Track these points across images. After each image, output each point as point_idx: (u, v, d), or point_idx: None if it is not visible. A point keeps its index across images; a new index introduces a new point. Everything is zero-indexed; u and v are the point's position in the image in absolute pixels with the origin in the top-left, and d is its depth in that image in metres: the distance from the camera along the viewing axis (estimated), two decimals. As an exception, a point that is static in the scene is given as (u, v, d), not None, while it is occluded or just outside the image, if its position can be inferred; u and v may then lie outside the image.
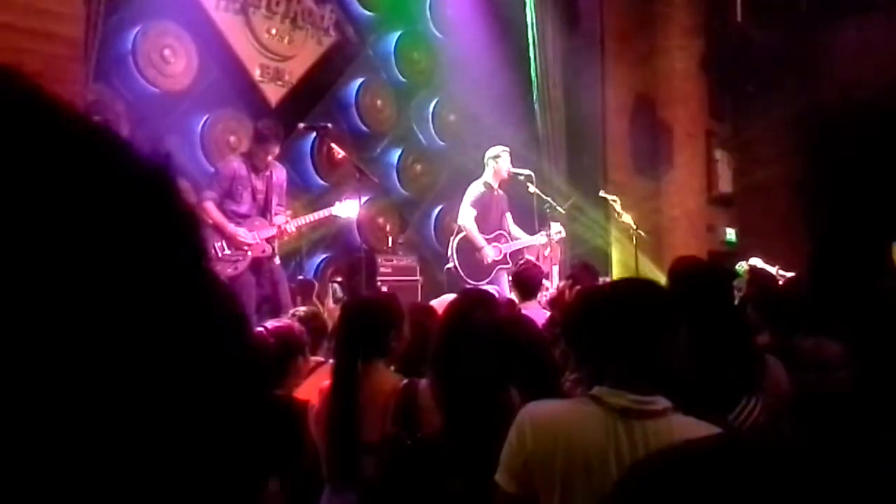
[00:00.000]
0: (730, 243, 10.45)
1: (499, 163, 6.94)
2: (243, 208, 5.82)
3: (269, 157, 5.85)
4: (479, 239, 6.84)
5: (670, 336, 1.86)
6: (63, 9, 5.18)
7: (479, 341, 2.39)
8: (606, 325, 1.89)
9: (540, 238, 6.92)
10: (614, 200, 7.90)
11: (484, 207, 6.89)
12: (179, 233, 0.43)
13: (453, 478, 2.15)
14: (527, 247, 7.05)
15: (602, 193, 8.25)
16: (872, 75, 9.37)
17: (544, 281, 7.11)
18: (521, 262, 5.87)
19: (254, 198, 5.86)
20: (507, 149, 7.05)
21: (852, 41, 9.96)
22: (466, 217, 6.85)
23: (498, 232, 7.05)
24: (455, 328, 2.47)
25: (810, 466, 0.55)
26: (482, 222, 6.93)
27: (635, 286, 2.06)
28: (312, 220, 6.32)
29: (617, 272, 8.46)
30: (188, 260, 0.43)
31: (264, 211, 5.91)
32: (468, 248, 6.86)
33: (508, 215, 7.11)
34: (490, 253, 6.89)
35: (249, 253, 5.77)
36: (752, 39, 9.66)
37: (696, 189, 10.06)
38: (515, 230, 7.11)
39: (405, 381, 2.71)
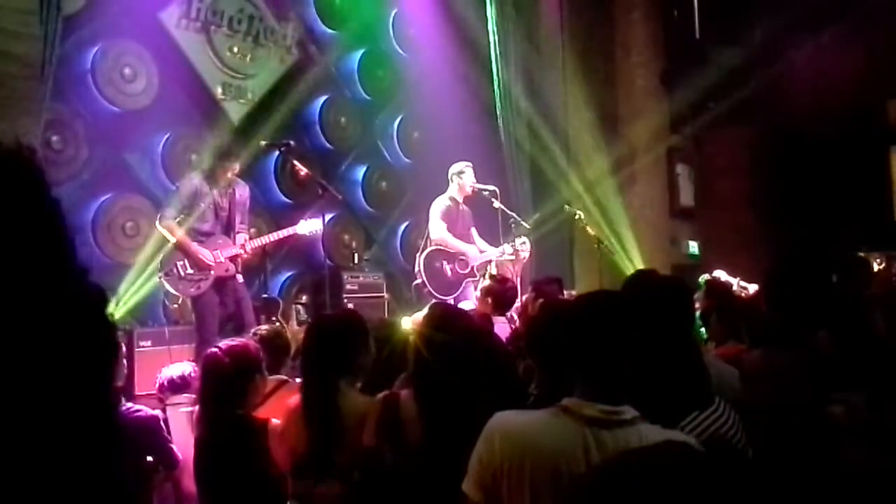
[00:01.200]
0: (693, 256, 10.58)
1: (463, 178, 6.98)
2: (206, 226, 5.77)
3: (230, 175, 5.81)
4: (459, 244, 6.85)
5: (631, 347, 1.88)
6: (19, 28, 5.13)
7: (455, 355, 2.41)
8: (572, 337, 1.91)
9: (506, 249, 6.94)
10: (578, 214, 7.96)
11: (450, 222, 6.91)
12: (41, 221, 0.44)
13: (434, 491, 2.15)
14: (495, 260, 7.07)
15: (567, 207, 8.31)
16: (829, 91, 9.58)
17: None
18: (500, 279, 5.88)
19: (216, 215, 5.81)
20: (470, 164, 7.09)
21: (809, 57, 10.19)
22: (439, 229, 6.85)
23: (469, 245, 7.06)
24: (431, 342, 2.49)
25: (758, 474, 0.57)
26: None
27: (599, 299, 2.08)
28: (275, 238, 6.29)
29: (581, 286, 8.51)
30: (47, 244, 0.43)
31: (227, 229, 5.87)
32: (436, 263, 6.85)
33: (474, 230, 7.14)
34: (475, 254, 6.90)
35: (212, 272, 5.71)
36: (711, 56, 9.83)
37: (659, 203, 10.18)
38: (481, 243, 7.14)
39: (385, 393, 2.70)
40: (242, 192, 5.99)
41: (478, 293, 6.03)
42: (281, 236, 6.30)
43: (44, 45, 5.32)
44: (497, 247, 7.05)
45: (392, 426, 2.52)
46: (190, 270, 5.65)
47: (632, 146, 10.02)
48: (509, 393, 2.40)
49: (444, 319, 2.65)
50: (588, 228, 7.87)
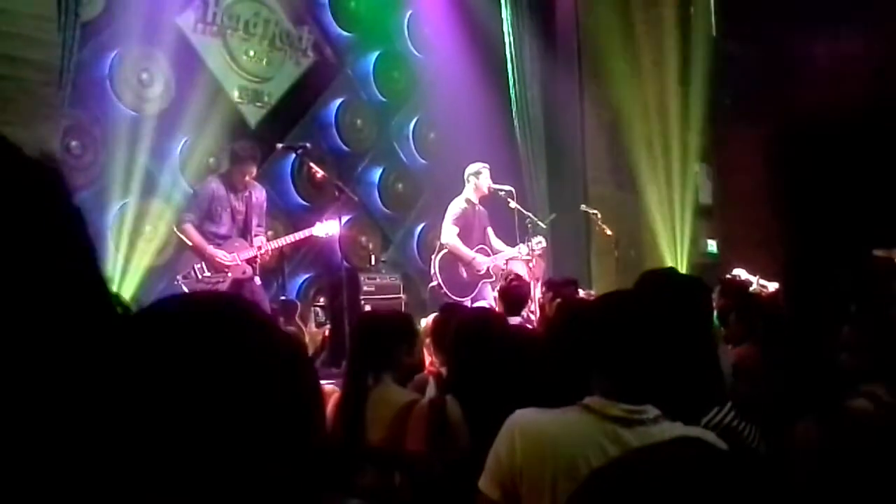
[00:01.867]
0: (711, 255, 10.51)
1: (479, 179, 6.97)
2: (223, 229, 5.80)
3: (247, 178, 5.84)
4: (467, 251, 6.84)
5: (655, 347, 1.87)
6: (37, 34, 5.18)
7: (498, 359, 2.41)
8: (593, 337, 1.90)
9: (522, 249, 6.93)
10: (595, 214, 7.94)
11: (466, 224, 6.90)
12: (63, 229, 0.45)
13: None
14: (511, 259, 7.05)
15: (583, 207, 8.29)
16: (847, 86, 9.49)
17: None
18: (511, 277, 5.87)
19: (233, 219, 5.85)
20: (487, 165, 7.08)
21: (827, 53, 10.10)
22: (449, 234, 6.86)
23: (480, 246, 7.06)
24: (472, 348, 2.51)
25: (765, 470, 0.56)
26: (465, 238, 6.94)
27: (620, 299, 2.07)
28: (292, 240, 6.31)
29: (599, 286, 8.47)
30: (70, 253, 0.44)
31: (244, 232, 5.90)
32: (451, 265, 6.85)
33: (490, 230, 7.13)
34: (483, 260, 6.88)
35: (229, 274, 5.74)
36: (728, 54, 9.77)
37: (676, 202, 10.12)
38: (497, 244, 7.13)
39: (431, 398, 2.79)
40: (259, 195, 6.02)
41: (495, 294, 6.03)
42: (298, 238, 6.33)
43: (62, 51, 5.37)
44: (513, 247, 7.04)
45: (441, 433, 2.54)
46: (207, 273, 5.69)
47: (649, 144, 9.97)
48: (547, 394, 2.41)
49: (480, 323, 2.71)
50: (605, 228, 7.85)
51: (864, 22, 9.43)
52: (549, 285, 5.55)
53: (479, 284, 6.93)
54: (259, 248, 5.87)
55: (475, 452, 2.33)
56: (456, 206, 6.92)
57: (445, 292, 6.73)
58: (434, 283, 6.85)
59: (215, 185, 5.80)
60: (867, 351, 2.39)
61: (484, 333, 2.61)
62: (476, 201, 7.00)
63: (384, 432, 2.73)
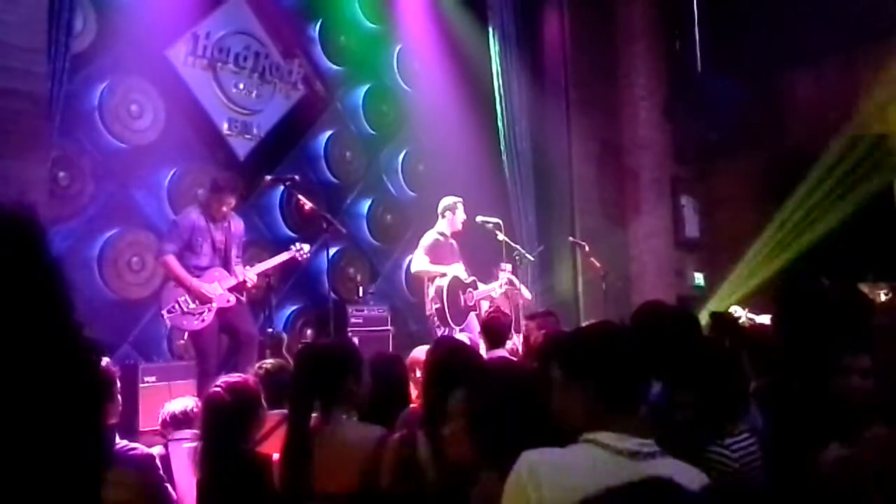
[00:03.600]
0: (698, 287, 10.54)
1: (455, 214, 6.94)
2: (204, 261, 5.78)
3: (225, 209, 5.83)
4: (439, 267, 6.76)
5: (646, 379, 1.87)
6: (28, 66, 5.19)
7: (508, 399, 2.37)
8: (594, 367, 1.88)
9: (497, 284, 6.94)
10: (583, 246, 7.97)
11: (437, 255, 6.85)
12: (37, 277, 0.46)
13: None
14: (491, 293, 7.06)
15: (571, 239, 8.32)
16: (831, 119, 9.61)
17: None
18: (490, 310, 5.87)
19: (214, 249, 5.82)
20: (461, 200, 7.03)
21: (811, 87, 10.23)
22: (419, 263, 6.81)
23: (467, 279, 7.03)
24: (443, 382, 2.47)
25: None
26: None
27: (611, 330, 2.06)
28: (273, 265, 6.27)
29: (587, 317, 8.48)
30: (43, 302, 0.45)
31: (225, 262, 5.88)
32: (454, 292, 6.77)
33: (460, 263, 7.08)
34: (456, 269, 6.83)
35: (214, 304, 5.71)
36: (714, 87, 9.88)
37: (664, 234, 10.17)
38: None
39: (401, 433, 2.68)
40: (237, 225, 6.01)
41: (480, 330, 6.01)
42: (279, 262, 6.28)
43: (52, 82, 5.38)
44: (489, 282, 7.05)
45: (411, 468, 2.49)
46: (192, 305, 5.65)
47: (636, 177, 10.04)
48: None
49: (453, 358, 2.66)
50: (593, 260, 7.87)
51: (844, 54, 9.56)
52: (532, 317, 5.55)
53: (469, 315, 6.91)
54: (243, 279, 5.85)
55: (444, 490, 2.30)
56: (428, 238, 6.88)
57: (448, 318, 6.64)
58: (437, 306, 6.72)
59: (195, 216, 5.77)
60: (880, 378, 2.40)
61: (456, 367, 2.55)
62: (448, 234, 6.97)
63: (352, 476, 2.59)
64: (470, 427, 2.23)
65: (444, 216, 6.96)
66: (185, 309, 5.63)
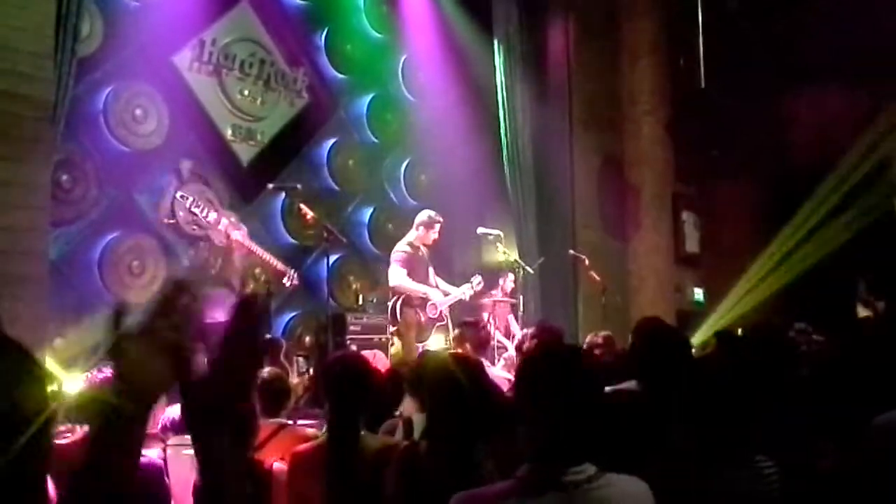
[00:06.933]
0: (697, 303, 10.55)
1: (431, 231, 6.92)
2: None
3: None
4: (419, 287, 6.81)
5: (592, 402, 1.81)
6: (34, 71, 5.22)
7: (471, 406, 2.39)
8: (529, 397, 1.83)
9: (466, 290, 6.96)
10: (583, 259, 7.99)
11: (411, 266, 6.85)
12: None
13: None
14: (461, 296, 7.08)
15: (572, 252, 8.34)
16: (833, 140, 9.64)
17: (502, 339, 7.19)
18: (473, 322, 5.90)
19: None
20: (440, 220, 7.00)
21: (813, 107, 10.27)
22: (398, 276, 6.80)
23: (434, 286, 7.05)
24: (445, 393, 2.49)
25: None
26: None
27: (549, 354, 1.97)
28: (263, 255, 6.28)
29: (584, 332, 8.49)
30: None
31: None
32: (409, 310, 6.81)
33: (431, 269, 7.11)
34: (436, 295, 6.87)
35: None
36: (716, 105, 9.91)
37: (664, 250, 10.18)
38: (442, 284, 7.14)
39: (406, 443, 2.72)
40: None
41: (452, 340, 6.05)
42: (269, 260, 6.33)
43: (57, 86, 5.40)
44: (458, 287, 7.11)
45: (414, 477, 2.50)
46: None
47: (637, 192, 10.06)
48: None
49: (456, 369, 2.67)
50: (593, 274, 7.88)
51: (846, 74, 9.59)
52: (530, 332, 5.56)
53: (434, 328, 6.94)
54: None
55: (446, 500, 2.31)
56: (399, 249, 6.88)
57: (405, 337, 6.71)
58: (393, 328, 6.80)
59: None
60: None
61: (457, 378, 2.56)
62: (419, 246, 6.96)
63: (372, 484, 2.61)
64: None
65: (417, 229, 6.94)
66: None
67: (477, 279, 7.09)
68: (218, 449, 1.12)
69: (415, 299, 6.81)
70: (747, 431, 2.24)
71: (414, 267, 6.84)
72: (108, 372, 3.23)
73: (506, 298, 7.70)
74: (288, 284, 6.48)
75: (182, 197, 5.86)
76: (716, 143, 9.95)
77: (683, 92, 10.25)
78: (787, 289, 9.61)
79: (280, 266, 6.36)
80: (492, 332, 6.04)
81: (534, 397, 1.80)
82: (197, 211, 5.78)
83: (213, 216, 5.88)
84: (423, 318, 6.84)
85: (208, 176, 7.25)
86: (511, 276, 7.54)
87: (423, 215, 6.99)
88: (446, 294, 6.97)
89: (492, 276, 7.76)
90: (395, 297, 6.81)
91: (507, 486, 1.78)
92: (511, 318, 7.87)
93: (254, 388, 2.88)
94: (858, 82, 9.51)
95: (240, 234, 6.01)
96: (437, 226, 6.97)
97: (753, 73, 10.02)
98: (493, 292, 7.60)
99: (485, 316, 7.38)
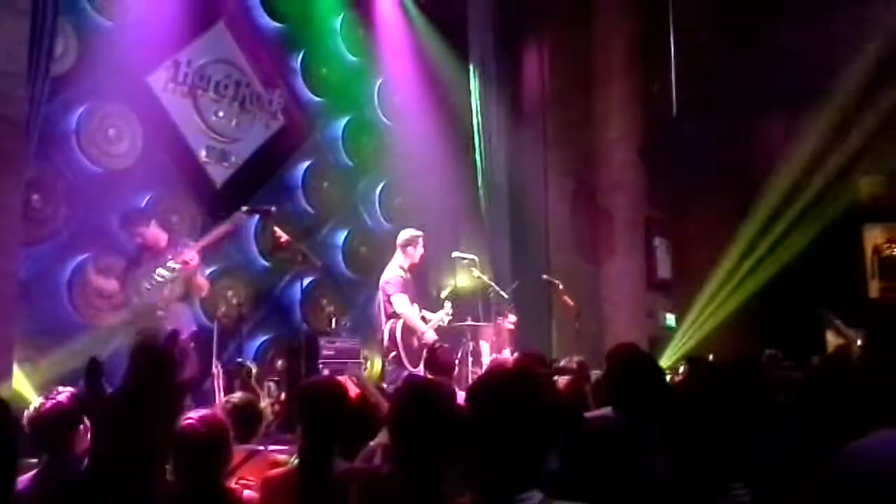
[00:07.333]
0: (669, 328, 10.62)
1: (415, 249, 6.86)
2: None
3: None
4: (420, 325, 6.75)
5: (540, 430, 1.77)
6: (7, 90, 5.16)
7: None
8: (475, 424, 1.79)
9: (443, 316, 6.91)
10: (557, 284, 8.01)
11: (407, 292, 6.77)
12: None
13: None
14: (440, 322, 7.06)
15: (546, 277, 8.36)
16: (801, 163, 9.83)
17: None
18: (431, 345, 5.87)
19: None
20: (422, 234, 6.96)
21: (782, 132, 10.47)
22: (403, 304, 6.70)
23: (420, 315, 7.00)
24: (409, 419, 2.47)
25: None
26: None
27: (495, 382, 1.91)
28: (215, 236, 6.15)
29: (560, 355, 8.50)
30: None
31: None
32: (408, 334, 6.75)
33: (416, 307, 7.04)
34: (431, 334, 6.83)
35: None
36: (687, 132, 10.06)
37: (637, 275, 10.25)
38: (423, 312, 7.11)
39: (370, 469, 2.70)
40: None
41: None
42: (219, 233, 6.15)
43: (30, 105, 5.34)
44: (488, 319, 7.05)
45: (377, 501, 2.48)
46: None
47: (610, 217, 10.15)
48: None
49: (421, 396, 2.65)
50: (566, 299, 7.91)
51: (815, 103, 9.79)
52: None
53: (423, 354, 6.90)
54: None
55: None
56: (395, 276, 6.76)
57: (405, 361, 6.63)
58: (394, 352, 6.71)
59: None
60: None
61: (422, 405, 2.54)
62: (406, 268, 6.92)
63: None
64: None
65: (405, 251, 6.86)
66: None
67: (448, 305, 7.04)
68: None
69: (412, 327, 6.74)
70: (723, 459, 2.25)
71: (407, 292, 6.80)
72: (61, 397, 3.18)
73: (511, 325, 7.63)
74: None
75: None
76: (687, 169, 10.09)
77: (656, 118, 10.39)
78: (749, 311, 9.75)
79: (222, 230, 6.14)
80: (456, 357, 5.97)
81: (478, 425, 1.76)
82: (162, 276, 5.67)
83: (172, 265, 5.73)
84: (416, 344, 6.76)
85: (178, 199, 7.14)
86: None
87: (405, 234, 6.92)
88: (426, 321, 6.91)
89: (465, 302, 7.73)
90: (393, 321, 6.71)
91: None
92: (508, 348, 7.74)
93: (173, 420, 2.85)
94: (826, 106, 9.71)
95: (192, 253, 5.84)
96: (420, 240, 6.92)
97: (724, 98, 10.20)
98: (499, 319, 7.52)
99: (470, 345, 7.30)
